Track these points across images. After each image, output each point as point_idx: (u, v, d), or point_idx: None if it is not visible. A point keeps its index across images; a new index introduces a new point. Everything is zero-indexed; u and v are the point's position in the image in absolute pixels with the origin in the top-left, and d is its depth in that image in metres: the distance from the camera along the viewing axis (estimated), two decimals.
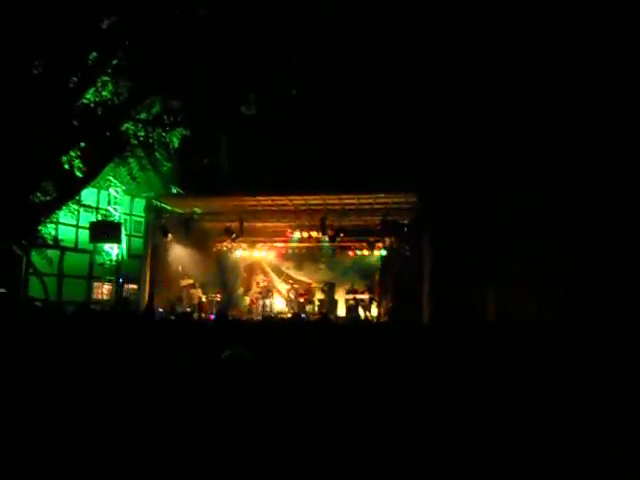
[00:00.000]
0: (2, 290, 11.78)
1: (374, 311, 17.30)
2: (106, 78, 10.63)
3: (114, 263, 17.14)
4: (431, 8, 12.17)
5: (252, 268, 19.85)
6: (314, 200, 15.78)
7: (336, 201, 15.59)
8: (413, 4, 12.29)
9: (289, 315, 16.62)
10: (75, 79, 10.00)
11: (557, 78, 11.00)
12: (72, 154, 11.19)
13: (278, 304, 18.89)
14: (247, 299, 19.06)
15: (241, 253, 19.27)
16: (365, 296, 17.55)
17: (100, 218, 16.55)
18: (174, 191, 14.89)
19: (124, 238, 16.73)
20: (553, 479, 2.85)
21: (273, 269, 19.73)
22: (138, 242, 17.77)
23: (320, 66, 11.55)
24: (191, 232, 16.91)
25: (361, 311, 17.23)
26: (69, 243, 16.39)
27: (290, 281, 19.04)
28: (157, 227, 16.71)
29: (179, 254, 17.76)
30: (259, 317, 16.43)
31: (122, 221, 16.85)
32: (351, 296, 17.66)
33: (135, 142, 11.78)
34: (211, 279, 18.86)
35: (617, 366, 4.13)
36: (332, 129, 14.01)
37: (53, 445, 3.07)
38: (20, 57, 9.17)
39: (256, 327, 6.23)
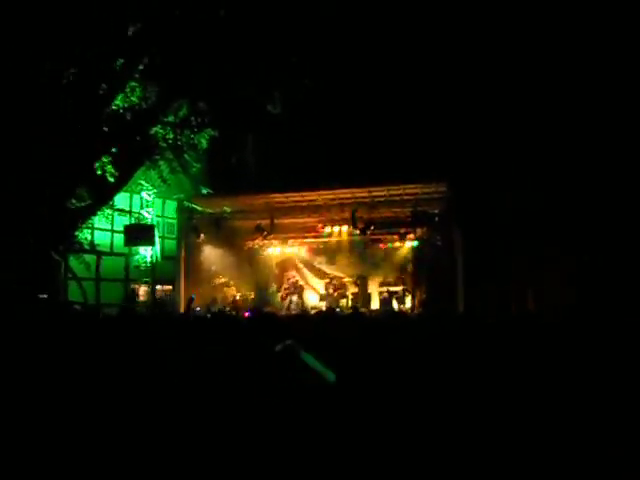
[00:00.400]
0: (44, 295, 12.07)
1: (408, 303, 17.20)
2: (134, 83, 10.81)
3: (149, 265, 17.43)
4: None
5: (284, 265, 19.92)
6: (343, 194, 15.76)
7: (365, 194, 15.53)
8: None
9: (323, 310, 16.65)
10: (104, 86, 10.18)
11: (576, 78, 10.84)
12: (104, 160, 11.42)
13: (312, 299, 18.95)
14: (279, 296, 19.16)
15: (272, 250, 19.37)
16: (398, 288, 17.47)
17: (134, 221, 16.86)
18: (204, 191, 15.07)
19: (157, 240, 16.99)
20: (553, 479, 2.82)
21: (305, 265, 19.77)
22: (171, 243, 18.04)
23: (346, 60, 11.53)
24: (222, 231, 17.07)
25: (395, 303, 17.16)
26: (105, 247, 16.72)
27: (326, 276, 19.06)
28: (189, 228, 16.94)
29: (212, 254, 17.96)
30: (290, 313, 16.49)
31: (155, 223, 17.12)
32: (384, 289, 17.60)
33: (164, 145, 11.95)
34: (244, 277, 19.02)
35: (619, 365, 4.05)
36: (360, 122, 13.97)
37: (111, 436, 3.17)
38: (50, 67, 9.38)
39: (289, 323, 6.25)
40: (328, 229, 17.66)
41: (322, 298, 18.49)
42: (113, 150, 11.42)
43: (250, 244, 19.10)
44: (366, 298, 17.87)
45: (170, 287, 17.45)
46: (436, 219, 15.84)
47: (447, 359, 4.24)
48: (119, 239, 16.54)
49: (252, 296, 18.42)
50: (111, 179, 11.69)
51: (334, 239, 18.20)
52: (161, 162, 12.68)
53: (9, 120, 9.23)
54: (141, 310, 15.71)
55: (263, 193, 15.75)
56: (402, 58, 13.08)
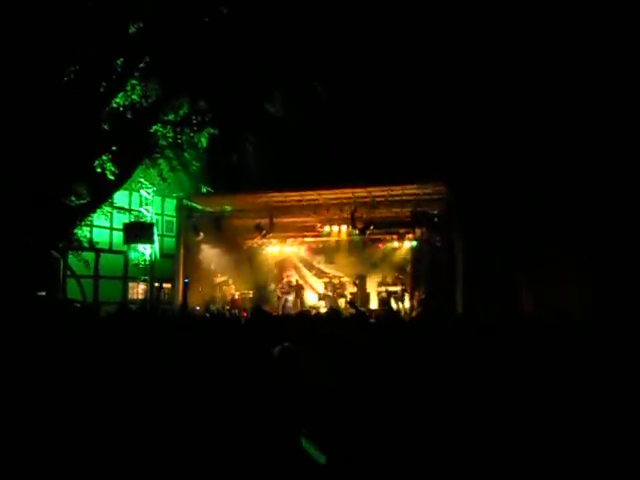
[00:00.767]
0: (42, 293, 12.07)
1: (407, 303, 17.20)
2: (134, 82, 10.79)
3: (148, 263, 17.43)
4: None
5: (283, 264, 19.92)
6: (343, 194, 15.76)
7: (365, 194, 15.53)
8: None
9: (323, 309, 16.64)
10: (105, 84, 10.17)
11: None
12: (104, 158, 11.41)
13: (311, 299, 18.95)
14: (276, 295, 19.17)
15: (271, 249, 19.38)
16: (397, 288, 17.47)
17: (133, 219, 16.86)
18: (204, 190, 15.05)
19: (156, 238, 16.99)
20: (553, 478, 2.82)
21: (304, 264, 19.77)
22: (170, 242, 18.05)
23: (346, 61, 11.53)
24: (222, 230, 17.07)
25: (393, 303, 17.16)
26: (104, 245, 16.74)
27: (325, 275, 19.07)
28: (188, 226, 16.93)
29: (211, 252, 17.96)
30: (286, 312, 16.45)
31: (154, 221, 17.13)
32: (383, 288, 17.60)
33: (164, 143, 11.93)
34: (243, 276, 19.02)
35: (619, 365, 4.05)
36: (361, 121, 13.96)
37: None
38: (51, 65, 9.37)
39: (285, 322, 6.25)
40: (327, 228, 17.66)
41: (321, 297, 18.50)
42: (113, 148, 11.42)
43: (249, 243, 19.09)
44: (365, 298, 17.87)
45: (169, 285, 17.44)
46: (436, 220, 15.84)
47: (445, 361, 4.24)
48: (118, 237, 16.55)
49: (251, 295, 18.42)
50: (111, 177, 11.67)
51: (333, 239, 18.20)
52: (161, 160, 12.67)
53: (9, 118, 9.22)
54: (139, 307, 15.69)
55: (263, 192, 15.75)
56: (404, 59, 13.07)
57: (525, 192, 12.37)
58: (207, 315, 13.60)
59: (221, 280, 18.10)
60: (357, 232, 16.58)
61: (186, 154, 12.62)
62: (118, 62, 10.08)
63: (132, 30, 9.92)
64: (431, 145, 13.42)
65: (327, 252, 19.16)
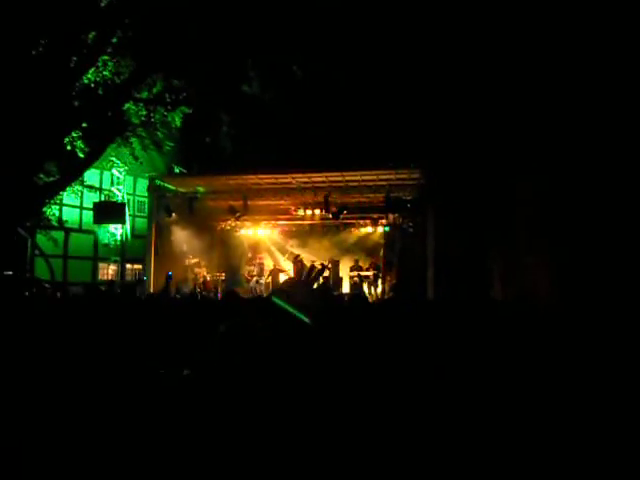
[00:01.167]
0: (9, 272, 11.85)
1: (379, 287, 17.35)
2: (106, 57, 10.56)
3: (119, 243, 17.23)
4: None
5: (256, 247, 19.87)
6: (317, 177, 15.73)
7: (339, 178, 15.53)
8: None
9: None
10: (75, 59, 9.91)
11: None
12: (74, 135, 11.18)
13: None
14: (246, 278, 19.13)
15: (245, 232, 19.30)
16: (370, 273, 17.58)
17: (104, 199, 16.61)
18: (177, 170, 14.90)
19: (128, 218, 16.78)
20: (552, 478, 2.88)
21: (277, 247, 19.77)
22: (142, 222, 17.84)
23: (320, 44, 11.44)
24: (195, 211, 16.89)
25: (366, 288, 17.28)
26: (73, 224, 16.49)
27: (296, 259, 19.09)
28: (161, 207, 16.70)
29: (183, 233, 17.78)
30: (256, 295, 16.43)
31: (125, 201, 16.90)
32: (355, 273, 17.70)
33: (137, 122, 11.74)
34: (215, 258, 18.92)
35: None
36: (335, 106, 13.92)
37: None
38: (19, 37, 9.09)
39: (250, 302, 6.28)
40: (301, 212, 17.64)
41: None
42: (83, 125, 11.19)
43: (223, 225, 18.97)
44: (337, 282, 17.96)
45: (140, 266, 17.28)
46: (409, 205, 15.96)
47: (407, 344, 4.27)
48: (88, 216, 16.31)
49: (222, 277, 18.34)
50: (81, 155, 11.46)
51: (307, 222, 18.20)
52: (133, 139, 12.47)
53: None
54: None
55: (237, 174, 15.62)
56: (380, 44, 13.01)
57: (498, 179, 12.52)
58: (177, 296, 13.56)
59: (193, 262, 17.96)
60: (330, 216, 16.60)
61: (159, 133, 12.43)
62: (89, 36, 9.82)
63: (103, 3, 9.67)
64: (405, 131, 13.47)
65: (300, 236, 19.18)
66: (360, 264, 17.88)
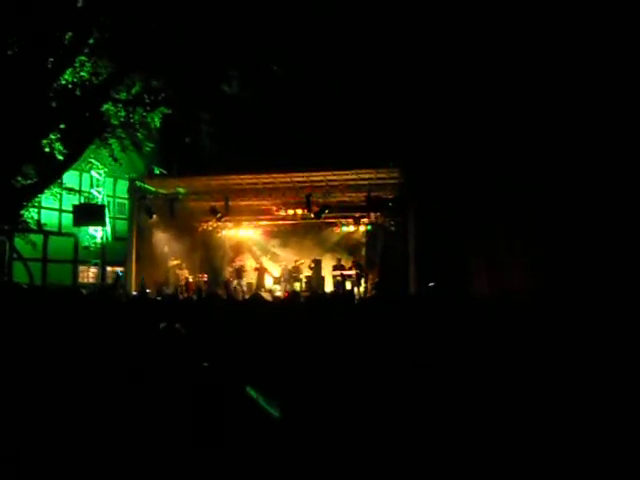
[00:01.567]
0: None
1: (362, 286, 17.41)
2: (84, 58, 10.46)
3: (99, 246, 17.07)
4: None
5: (238, 247, 19.84)
6: (299, 177, 15.76)
7: (321, 178, 15.58)
8: None
9: (278, 293, 16.68)
10: (52, 59, 9.81)
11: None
12: (52, 137, 11.05)
13: (267, 282, 18.96)
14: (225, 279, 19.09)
15: (227, 232, 19.26)
16: (352, 272, 17.65)
17: (83, 201, 16.43)
18: (157, 172, 14.81)
19: (108, 220, 16.64)
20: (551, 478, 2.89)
21: (259, 248, 19.76)
22: (123, 224, 17.67)
23: (302, 44, 11.46)
24: (176, 213, 16.81)
25: (349, 286, 17.33)
26: (53, 227, 16.28)
27: (280, 259, 19.11)
28: (141, 208, 16.59)
29: (165, 235, 17.69)
30: (241, 296, 16.40)
31: (105, 203, 16.74)
32: (338, 272, 17.75)
33: (116, 123, 11.64)
34: (197, 260, 18.85)
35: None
36: (315, 106, 13.94)
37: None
38: None
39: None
40: (283, 212, 17.65)
41: (276, 281, 18.54)
42: (62, 127, 11.07)
43: (204, 226, 18.92)
44: (320, 281, 17.99)
45: (121, 269, 17.13)
46: (390, 204, 16.06)
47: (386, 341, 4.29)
48: (68, 219, 16.12)
49: (205, 279, 18.28)
50: (59, 157, 11.34)
51: (289, 222, 18.22)
52: (112, 140, 12.35)
53: None
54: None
55: (218, 174, 15.59)
56: (360, 44, 13.06)
57: (476, 177, 12.62)
58: (158, 298, 13.46)
59: (174, 264, 17.88)
60: (312, 216, 16.63)
61: (139, 134, 12.33)
62: (65, 36, 9.72)
63: (80, 3, 9.58)
64: (386, 131, 13.52)
65: (282, 236, 19.21)
66: (342, 263, 17.94)
